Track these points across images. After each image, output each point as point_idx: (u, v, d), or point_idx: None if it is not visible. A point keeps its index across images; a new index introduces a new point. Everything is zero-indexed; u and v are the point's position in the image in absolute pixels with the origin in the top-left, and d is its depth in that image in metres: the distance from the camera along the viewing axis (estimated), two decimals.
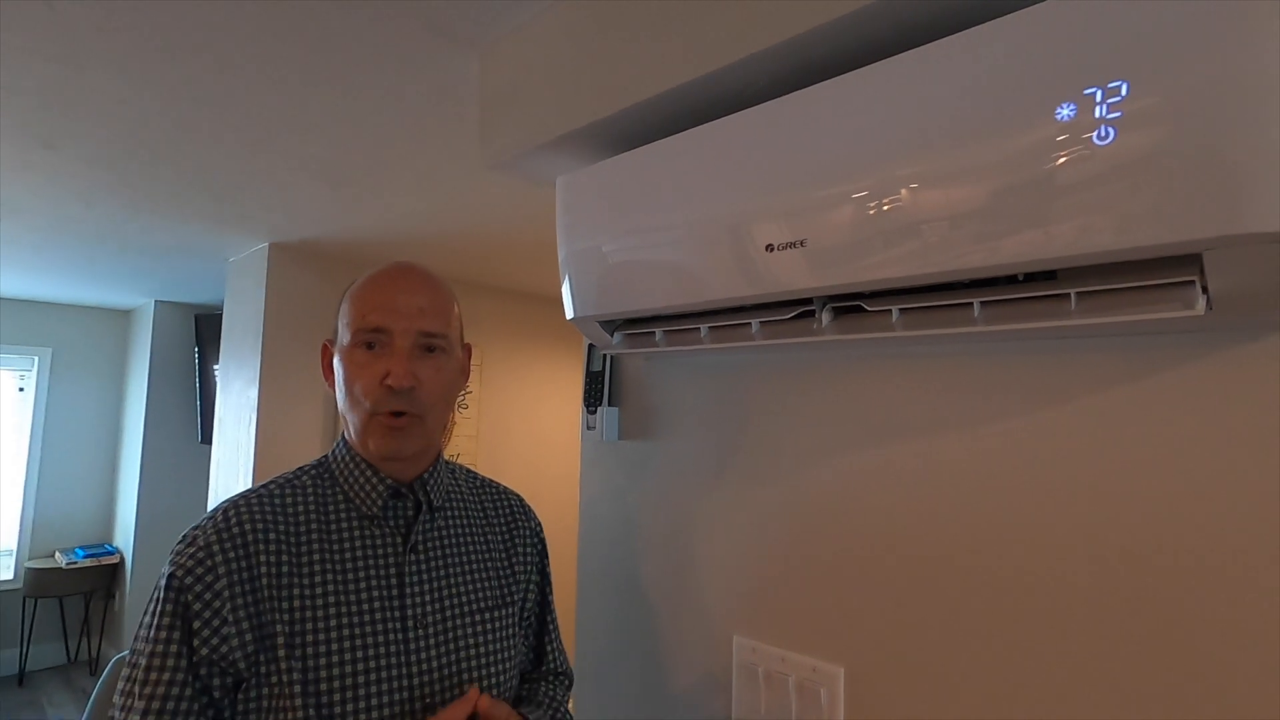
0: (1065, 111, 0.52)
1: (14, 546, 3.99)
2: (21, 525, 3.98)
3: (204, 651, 0.66)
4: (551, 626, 0.94)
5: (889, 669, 0.78)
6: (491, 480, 0.95)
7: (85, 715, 1.70)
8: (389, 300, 0.76)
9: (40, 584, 3.76)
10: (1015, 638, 0.69)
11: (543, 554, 0.94)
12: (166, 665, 0.66)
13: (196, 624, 0.67)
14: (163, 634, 0.67)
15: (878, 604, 0.80)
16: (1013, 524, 0.70)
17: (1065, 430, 0.68)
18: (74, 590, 3.85)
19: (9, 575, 3.95)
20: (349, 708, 0.69)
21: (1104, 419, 0.65)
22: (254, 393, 2.53)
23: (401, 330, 0.75)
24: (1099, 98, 0.51)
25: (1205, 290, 0.52)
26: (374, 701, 0.70)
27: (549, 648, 0.93)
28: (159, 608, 0.68)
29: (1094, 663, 0.64)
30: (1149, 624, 0.62)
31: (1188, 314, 0.52)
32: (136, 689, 0.66)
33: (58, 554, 3.97)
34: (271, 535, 0.72)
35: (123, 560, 3.92)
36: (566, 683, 0.94)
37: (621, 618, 1.10)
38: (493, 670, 0.79)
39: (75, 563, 3.81)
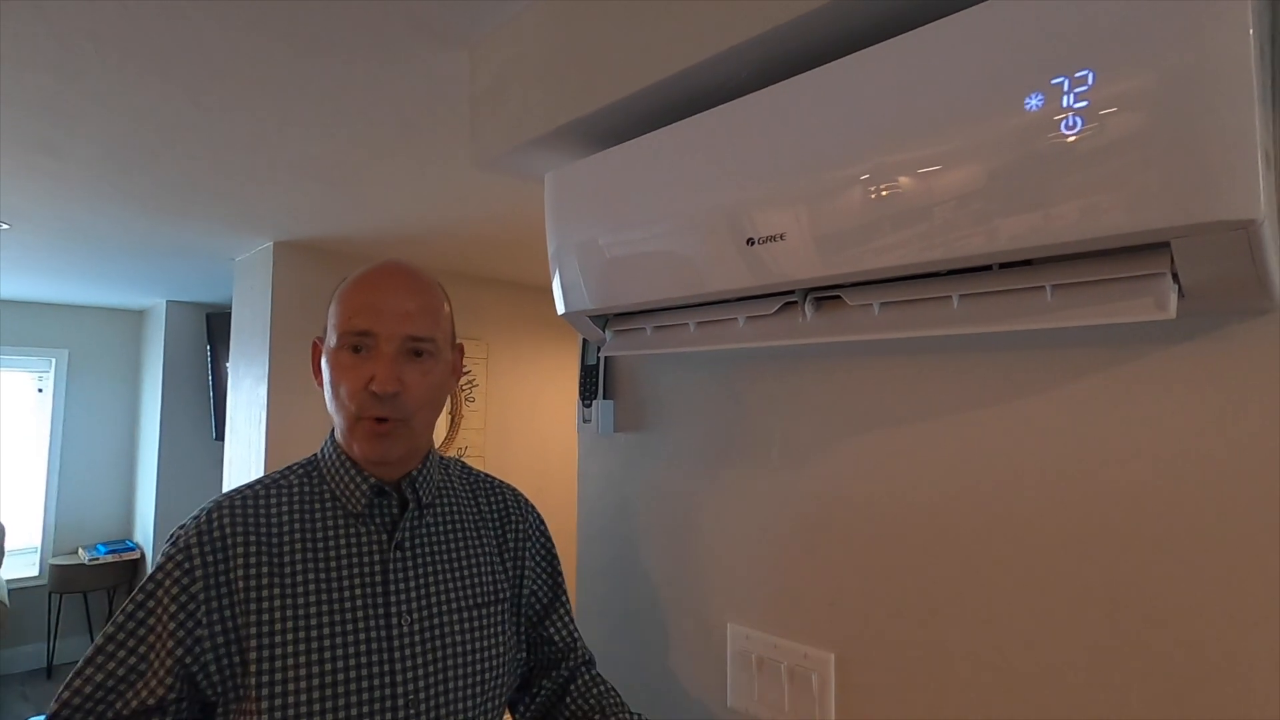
0: (1033, 101, 0.52)
1: (38, 544, 4.09)
2: (45, 523, 4.08)
3: (179, 653, 0.68)
4: (569, 617, 0.92)
5: (877, 655, 0.79)
6: (488, 475, 0.94)
7: None
8: (375, 302, 0.75)
9: (65, 580, 3.86)
10: (1000, 623, 0.70)
11: (547, 547, 0.93)
12: (127, 645, 0.68)
13: (172, 624, 0.68)
14: (132, 623, 0.69)
15: (866, 592, 0.80)
16: (997, 512, 0.71)
17: (1045, 419, 0.68)
18: (97, 585, 3.94)
19: (35, 572, 4.05)
20: (326, 705, 0.69)
21: (1082, 407, 0.66)
22: (263, 390, 2.56)
23: (387, 335, 0.74)
24: (1066, 87, 0.50)
25: (1176, 280, 0.52)
26: (353, 699, 0.70)
27: (575, 638, 0.92)
28: (139, 597, 0.70)
29: (1078, 648, 0.65)
30: (1132, 608, 0.62)
31: (1161, 317, 0.51)
32: (87, 670, 0.68)
33: (80, 550, 4.06)
34: (251, 538, 0.73)
35: (143, 556, 4.01)
36: (594, 667, 0.93)
37: (620, 606, 1.12)
38: (479, 668, 0.78)
39: (98, 559, 3.90)
